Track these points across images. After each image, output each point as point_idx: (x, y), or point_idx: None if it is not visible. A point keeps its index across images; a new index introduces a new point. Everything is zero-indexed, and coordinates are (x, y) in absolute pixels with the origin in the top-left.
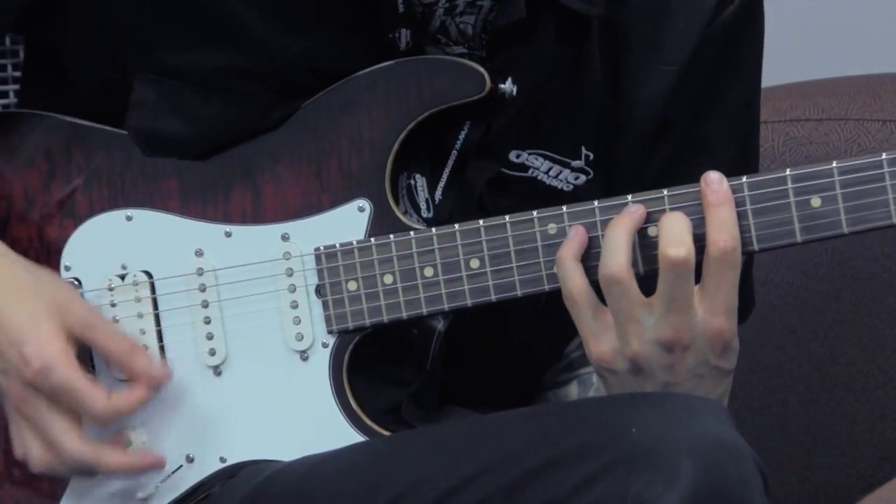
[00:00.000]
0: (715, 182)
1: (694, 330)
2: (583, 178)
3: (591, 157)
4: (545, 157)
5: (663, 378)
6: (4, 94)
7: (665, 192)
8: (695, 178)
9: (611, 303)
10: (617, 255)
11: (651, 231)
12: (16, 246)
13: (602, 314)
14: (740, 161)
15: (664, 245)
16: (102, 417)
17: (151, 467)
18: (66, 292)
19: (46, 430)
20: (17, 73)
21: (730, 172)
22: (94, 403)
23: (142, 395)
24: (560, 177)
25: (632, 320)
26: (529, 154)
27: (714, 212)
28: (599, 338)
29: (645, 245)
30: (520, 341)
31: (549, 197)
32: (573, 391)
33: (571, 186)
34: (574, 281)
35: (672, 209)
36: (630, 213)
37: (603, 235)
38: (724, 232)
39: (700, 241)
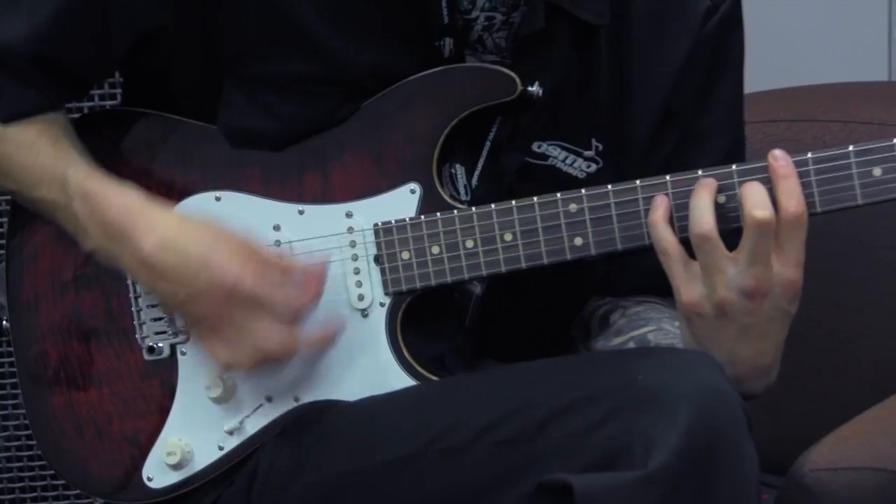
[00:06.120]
0: (781, 158)
1: (772, 280)
2: (594, 166)
3: (601, 147)
4: (561, 147)
5: (743, 321)
6: (113, 97)
7: (734, 167)
8: (695, 165)
9: (701, 257)
10: (705, 216)
11: (719, 199)
12: None
13: (691, 266)
14: (732, 150)
15: (750, 207)
16: (297, 311)
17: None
18: (226, 229)
19: (252, 331)
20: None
21: (723, 160)
22: (288, 298)
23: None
24: (575, 165)
25: (718, 271)
26: (549, 145)
27: (784, 182)
28: (690, 286)
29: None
30: (544, 303)
31: (566, 183)
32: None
33: (584, 174)
34: (669, 240)
35: (741, 182)
36: (706, 184)
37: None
38: (793, 199)
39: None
